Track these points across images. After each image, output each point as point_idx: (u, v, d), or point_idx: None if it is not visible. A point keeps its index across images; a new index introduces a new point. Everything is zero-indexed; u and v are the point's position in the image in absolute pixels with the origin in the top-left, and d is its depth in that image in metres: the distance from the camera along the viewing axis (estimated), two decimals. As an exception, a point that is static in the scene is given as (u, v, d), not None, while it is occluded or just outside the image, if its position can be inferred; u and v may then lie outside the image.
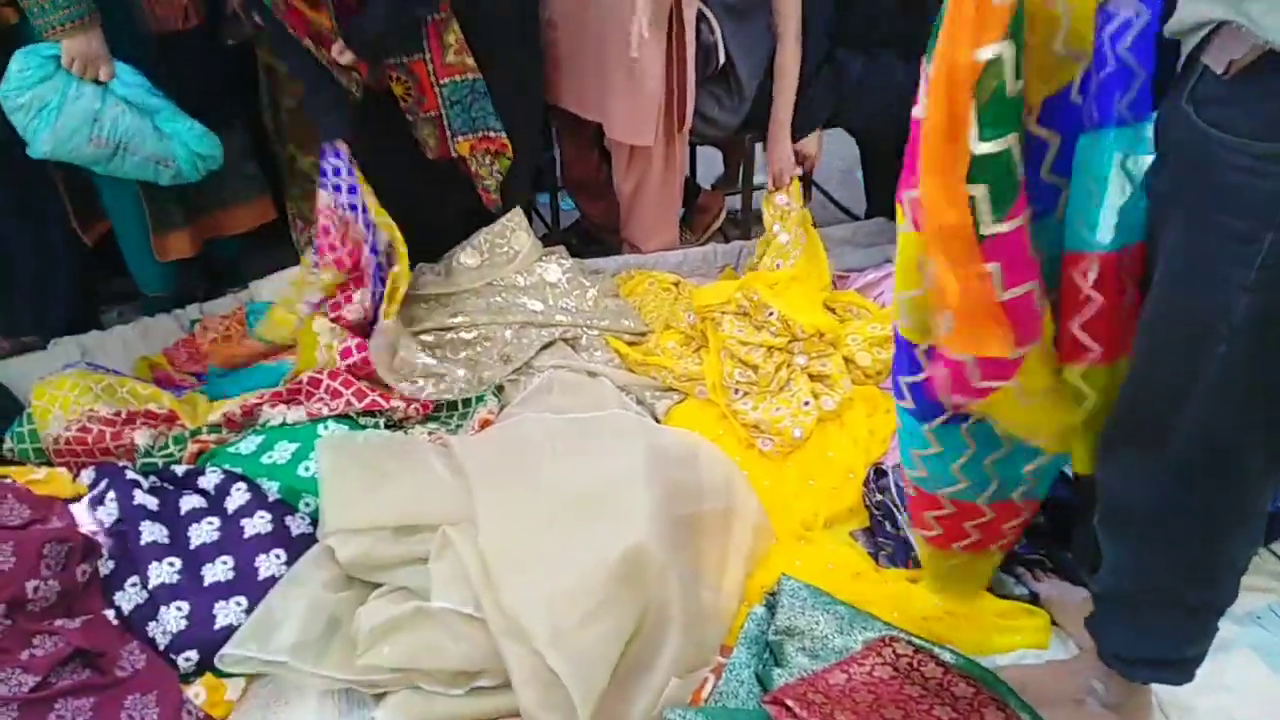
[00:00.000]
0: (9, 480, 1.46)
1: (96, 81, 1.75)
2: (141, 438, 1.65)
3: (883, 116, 2.20)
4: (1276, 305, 0.88)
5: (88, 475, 1.55)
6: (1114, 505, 1.13)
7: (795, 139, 2.26)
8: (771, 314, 1.96)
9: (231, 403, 1.73)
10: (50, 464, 1.65)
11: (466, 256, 2.19)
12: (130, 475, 1.52)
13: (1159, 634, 1.16)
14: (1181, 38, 0.91)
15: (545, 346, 2.00)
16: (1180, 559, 1.09)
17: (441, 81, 1.98)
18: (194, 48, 2.01)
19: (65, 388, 1.70)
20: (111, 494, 1.47)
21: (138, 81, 1.79)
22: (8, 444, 1.70)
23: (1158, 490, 1.05)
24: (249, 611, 1.35)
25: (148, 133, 1.80)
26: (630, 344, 2.07)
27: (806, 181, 2.44)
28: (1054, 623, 1.46)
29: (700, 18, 2.14)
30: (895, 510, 1.64)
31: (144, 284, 2.22)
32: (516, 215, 2.21)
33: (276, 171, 2.35)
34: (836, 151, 2.83)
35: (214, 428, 1.69)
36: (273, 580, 1.40)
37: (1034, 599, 1.52)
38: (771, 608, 1.44)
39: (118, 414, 1.68)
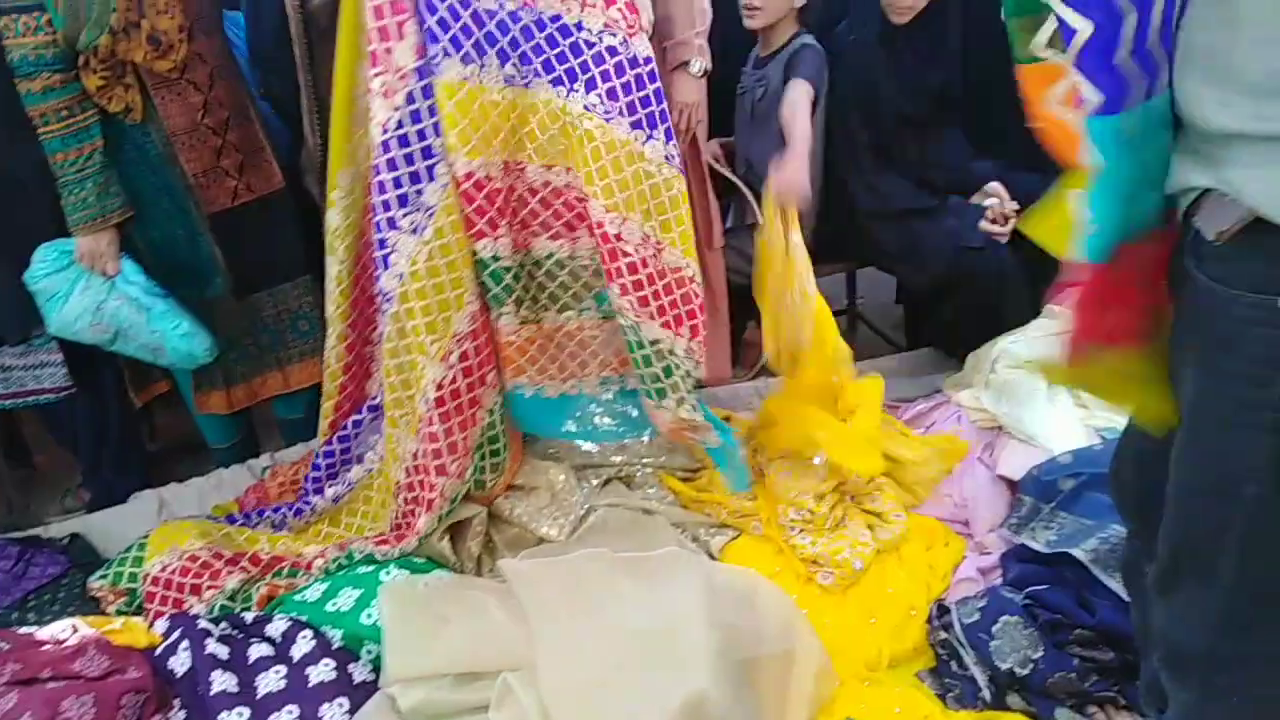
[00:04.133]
0: (92, 632, 1.51)
1: (106, 275, 1.93)
2: (233, 581, 1.74)
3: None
4: None
5: (161, 625, 1.61)
6: (1172, 647, 1.12)
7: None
8: (819, 460, 1.97)
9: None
10: (138, 605, 1.76)
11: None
12: (201, 624, 1.56)
13: None
14: (1177, 196, 0.96)
15: (603, 484, 2.04)
16: (1243, 699, 1.06)
17: None
18: (249, 221, 2.08)
19: (186, 528, 1.86)
20: (184, 644, 1.51)
21: (139, 280, 1.96)
22: (96, 582, 1.81)
23: (1213, 634, 1.04)
24: (314, 760, 1.36)
25: (142, 326, 1.96)
26: (684, 480, 2.09)
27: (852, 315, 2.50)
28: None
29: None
30: (961, 648, 1.60)
31: (208, 436, 2.34)
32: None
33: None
34: (873, 286, 2.90)
35: (292, 571, 1.75)
36: (336, 729, 1.41)
37: (1112, 742, 1.46)
38: (838, 755, 1.41)
39: (219, 555, 1.79)
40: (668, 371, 1.79)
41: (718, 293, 2.26)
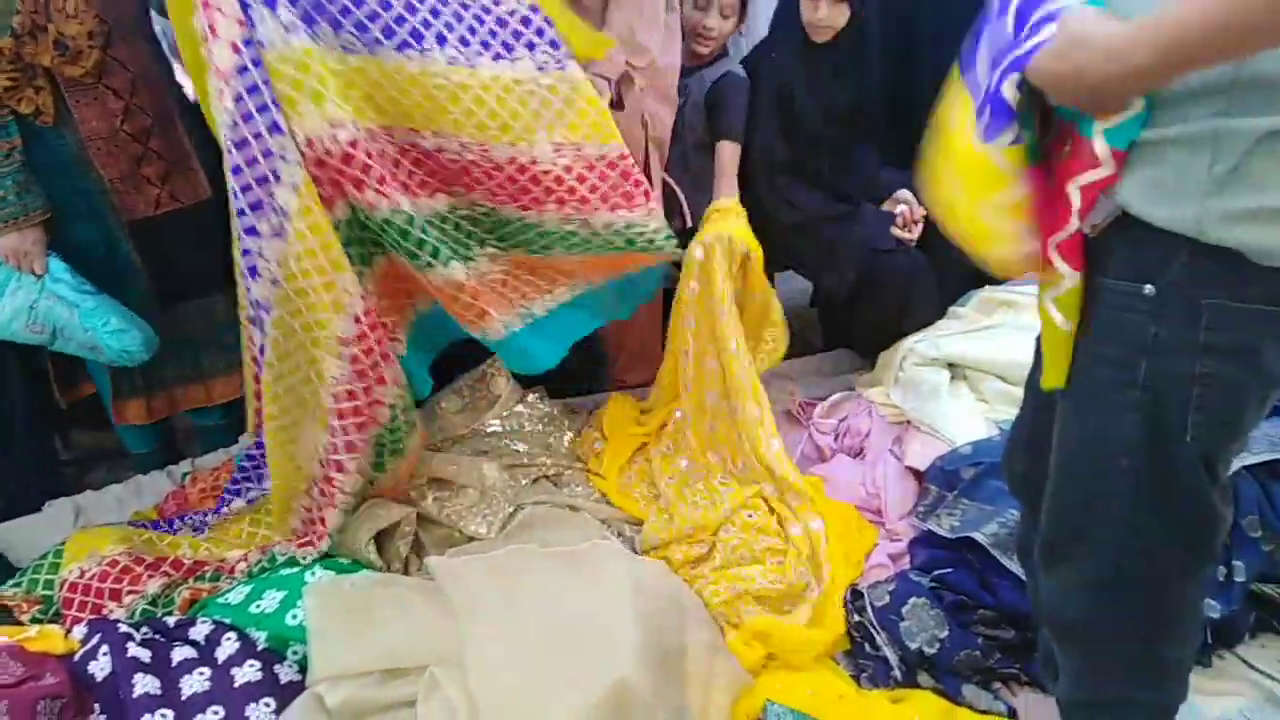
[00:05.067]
0: (4, 640, 1.48)
1: (35, 274, 1.89)
2: (154, 585, 1.72)
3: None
4: (1160, 422, 0.99)
5: (80, 631, 1.58)
6: (1056, 617, 1.21)
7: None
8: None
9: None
10: (54, 613, 1.72)
11: (448, 402, 2.29)
12: (122, 629, 1.54)
13: None
14: None
15: (532, 483, 2.07)
16: (1123, 664, 1.15)
17: None
18: (171, 229, 2.04)
19: (106, 534, 1.83)
20: (104, 648, 1.49)
21: (66, 278, 1.91)
22: (9, 591, 1.77)
23: (1090, 600, 1.13)
24: (239, 761, 1.35)
25: (75, 324, 1.92)
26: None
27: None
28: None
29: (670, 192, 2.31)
30: (873, 630, 1.69)
31: (127, 442, 2.30)
32: (497, 360, 2.32)
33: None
34: (791, 292, 3.00)
35: (215, 575, 1.73)
36: (263, 729, 1.41)
37: (1012, 714, 1.55)
38: (757, 735, 1.46)
39: (140, 560, 1.76)
40: (631, 242, 1.85)
41: (659, 312, 2.37)
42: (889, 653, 1.65)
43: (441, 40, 1.61)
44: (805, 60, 2.31)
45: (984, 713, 1.55)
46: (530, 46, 1.67)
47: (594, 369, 2.62)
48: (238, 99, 1.51)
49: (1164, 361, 0.97)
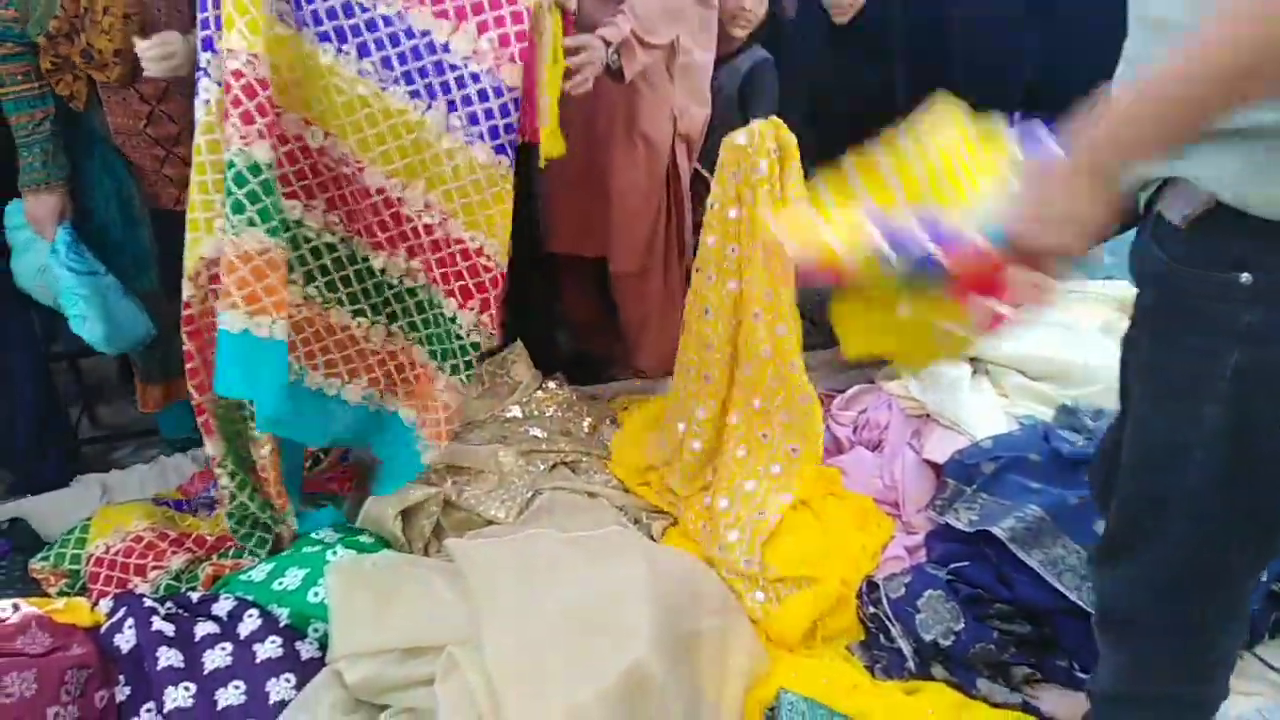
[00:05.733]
0: (33, 610, 1.51)
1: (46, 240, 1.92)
2: (178, 561, 1.76)
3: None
4: (1249, 413, 0.98)
5: (106, 604, 1.61)
6: (1111, 612, 1.20)
7: None
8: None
9: None
10: (80, 587, 1.76)
11: (469, 387, 2.30)
12: (147, 603, 1.57)
13: None
14: (1138, 189, 1.04)
15: (550, 469, 2.09)
16: (1170, 659, 1.15)
17: None
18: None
19: (131, 510, 1.89)
20: (129, 621, 1.52)
21: (61, 250, 1.92)
22: (38, 564, 1.81)
23: (1150, 595, 1.12)
24: (260, 734, 1.38)
25: (72, 299, 1.93)
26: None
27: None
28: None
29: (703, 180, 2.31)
30: (888, 622, 1.69)
31: (163, 427, 2.34)
32: (517, 347, 2.34)
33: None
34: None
35: (238, 552, 1.76)
36: (283, 704, 1.44)
37: (1025, 707, 1.55)
38: (771, 722, 1.47)
39: (164, 536, 1.80)
40: (448, 337, 1.77)
41: (678, 301, 2.26)
42: (904, 644, 1.65)
43: (364, 51, 1.59)
44: (829, 43, 2.30)
45: (999, 706, 1.55)
46: (471, 118, 1.61)
47: (613, 358, 2.63)
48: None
49: (1258, 350, 0.95)
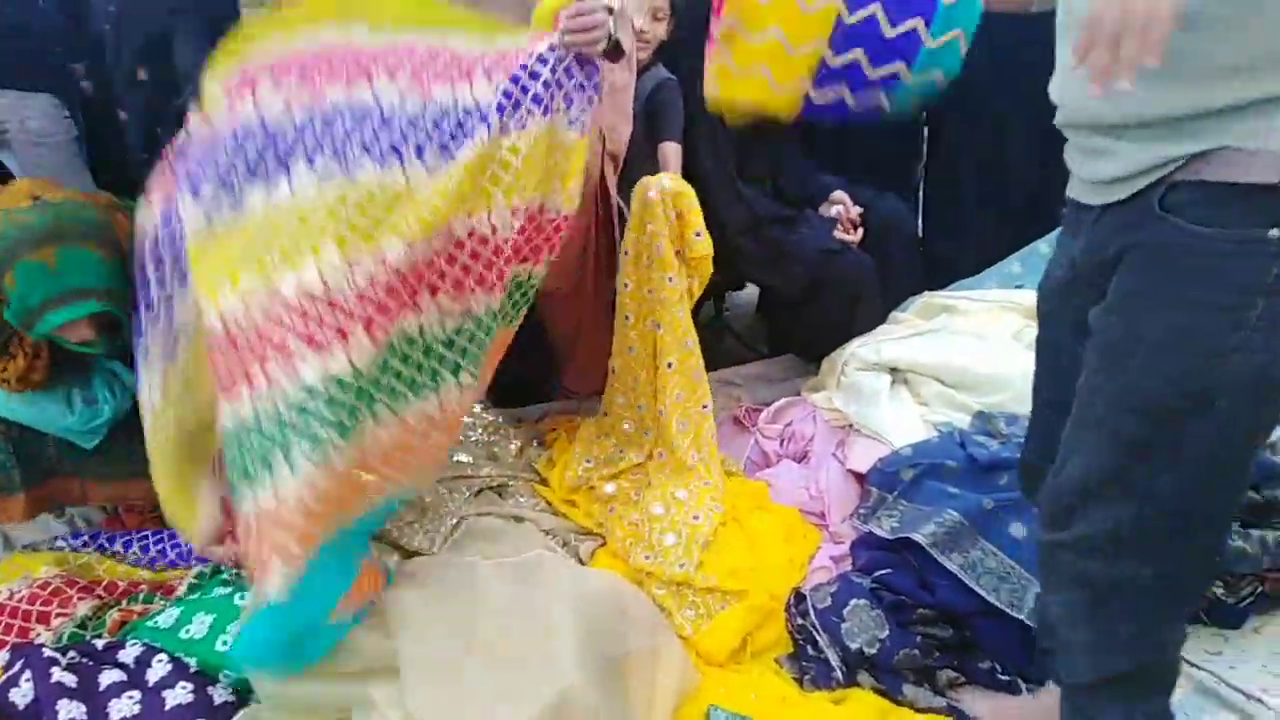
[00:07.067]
0: (-79, 668, 1.43)
1: None
2: (84, 607, 1.68)
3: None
4: (1273, 361, 1.03)
5: (2, 657, 1.53)
6: (1078, 578, 1.19)
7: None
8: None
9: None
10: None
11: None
12: (46, 653, 1.50)
13: None
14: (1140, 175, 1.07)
15: (475, 494, 2.05)
16: (1139, 628, 1.16)
17: None
18: None
19: (41, 557, 1.83)
20: (26, 674, 1.45)
21: None
22: None
23: (1128, 552, 1.13)
24: (169, 785, 1.32)
25: None
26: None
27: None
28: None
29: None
30: (815, 632, 1.70)
31: None
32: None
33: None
34: (738, 299, 3.03)
35: (148, 597, 1.71)
36: (194, 751, 1.38)
37: (950, 710, 1.57)
38: (700, 741, 1.46)
39: (72, 583, 1.73)
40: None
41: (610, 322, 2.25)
42: (830, 654, 1.66)
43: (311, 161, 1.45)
44: None
45: (923, 711, 1.57)
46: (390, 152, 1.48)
47: (543, 378, 2.61)
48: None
49: None
